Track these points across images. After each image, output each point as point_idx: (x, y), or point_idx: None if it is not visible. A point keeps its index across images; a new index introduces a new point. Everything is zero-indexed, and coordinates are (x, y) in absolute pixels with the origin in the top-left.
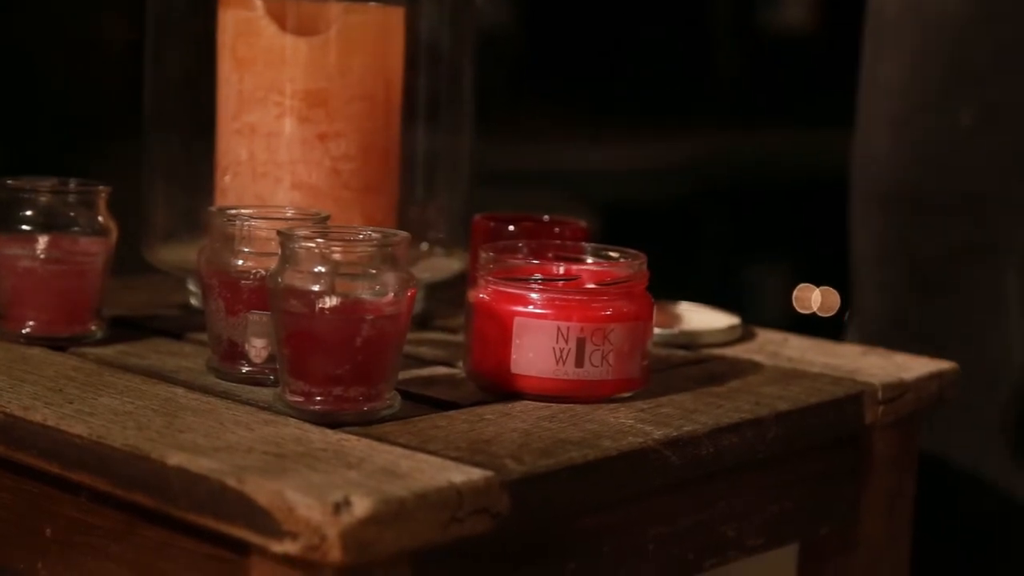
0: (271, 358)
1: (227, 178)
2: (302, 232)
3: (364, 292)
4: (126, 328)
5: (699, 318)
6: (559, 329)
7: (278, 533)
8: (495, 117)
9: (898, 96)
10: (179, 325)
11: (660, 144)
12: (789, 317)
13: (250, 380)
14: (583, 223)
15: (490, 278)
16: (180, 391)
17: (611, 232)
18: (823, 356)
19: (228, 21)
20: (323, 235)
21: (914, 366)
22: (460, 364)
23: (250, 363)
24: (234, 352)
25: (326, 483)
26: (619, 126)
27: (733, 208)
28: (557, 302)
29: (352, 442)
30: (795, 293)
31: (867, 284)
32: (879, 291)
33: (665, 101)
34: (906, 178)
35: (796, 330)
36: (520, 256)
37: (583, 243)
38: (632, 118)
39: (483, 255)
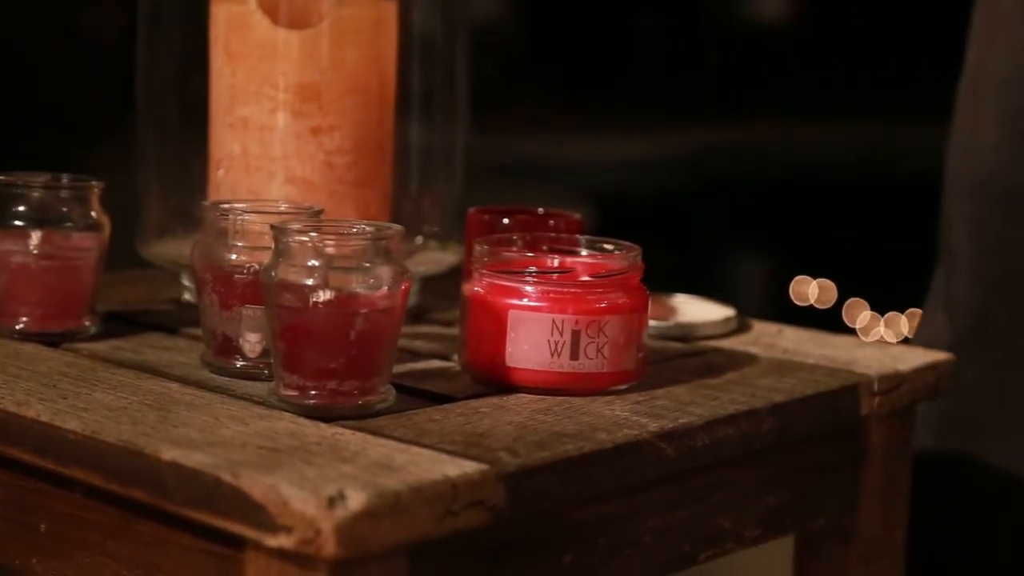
0: (265, 352)
1: (220, 172)
2: (296, 226)
3: (358, 286)
4: (120, 323)
5: (695, 310)
6: (554, 322)
7: (273, 527)
8: (489, 110)
9: (1010, 88)
10: (173, 320)
11: (655, 136)
12: (785, 309)
13: (244, 375)
14: (578, 215)
15: (484, 271)
16: (174, 386)
17: (606, 224)
18: (819, 348)
19: (220, 15)
20: (317, 229)
21: (910, 357)
22: (455, 357)
23: (244, 358)
24: (228, 347)
25: (321, 477)
26: (614, 118)
27: (729, 200)
28: (552, 295)
29: (347, 436)
30: (791, 285)
31: (963, 277)
32: (976, 285)
33: (660, 93)
34: (1015, 171)
35: (792, 323)
36: (515, 249)
37: (578, 235)
38: (627, 110)
39: (477, 248)
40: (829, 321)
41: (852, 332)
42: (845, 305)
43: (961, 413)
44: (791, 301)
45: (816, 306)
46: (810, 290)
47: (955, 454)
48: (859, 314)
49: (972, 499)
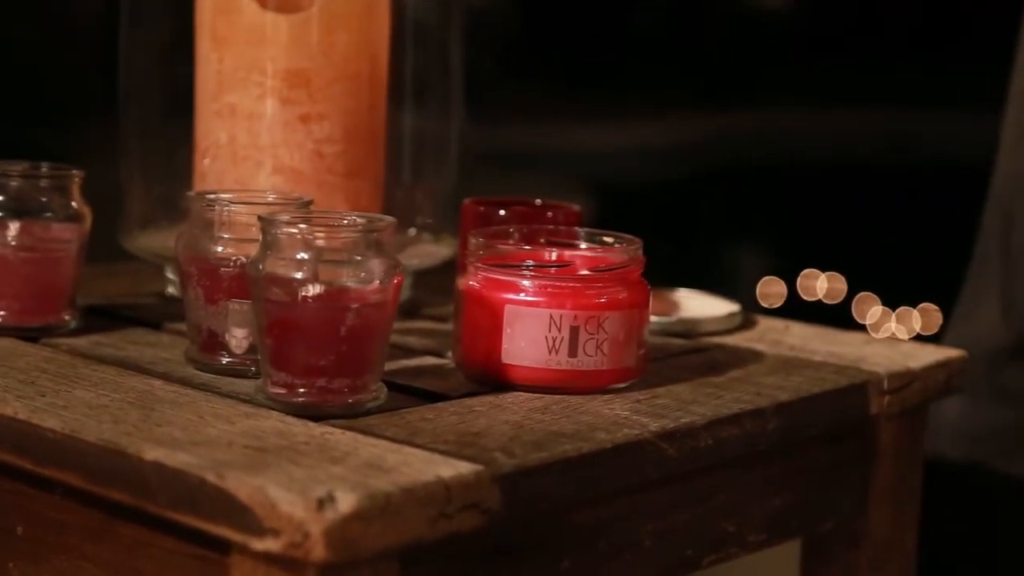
0: (252, 349)
1: (206, 161)
2: (284, 217)
3: (349, 279)
4: (101, 318)
5: (698, 305)
6: (552, 317)
7: (260, 530)
8: (485, 96)
9: None
10: (157, 314)
11: (657, 123)
12: (793, 305)
13: (230, 372)
14: (576, 207)
15: (480, 265)
16: (157, 383)
17: (606, 216)
18: (826, 344)
19: None
20: (306, 220)
21: (921, 355)
22: (449, 354)
23: (230, 354)
24: (214, 342)
25: (309, 478)
26: (614, 105)
27: (734, 190)
28: (550, 289)
29: (336, 435)
30: (799, 279)
31: (1022, 276)
32: None
33: (663, 79)
34: None
35: (799, 318)
36: (511, 242)
37: (577, 228)
38: (628, 96)
39: (473, 241)
40: (838, 316)
41: (862, 328)
42: (855, 300)
43: (1012, 416)
44: (798, 295)
45: (825, 301)
46: (818, 284)
47: (993, 458)
48: (869, 309)
49: (1009, 505)
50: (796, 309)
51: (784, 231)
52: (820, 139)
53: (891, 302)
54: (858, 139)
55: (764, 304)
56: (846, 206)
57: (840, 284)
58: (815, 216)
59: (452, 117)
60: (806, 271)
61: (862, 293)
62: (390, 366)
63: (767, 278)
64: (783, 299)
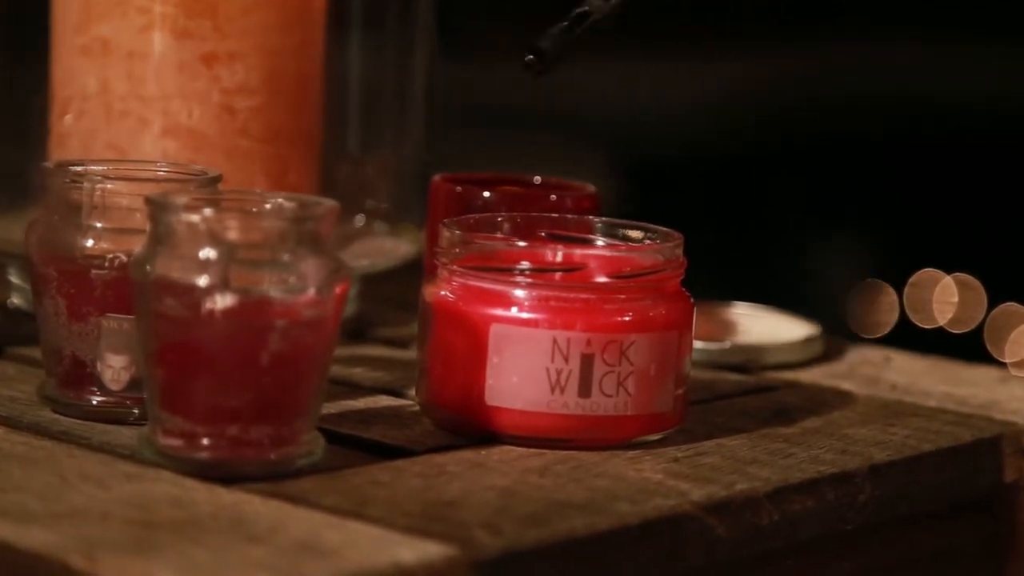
0: (136, 383)
1: (68, 119)
2: (181, 200)
3: (273, 287)
4: None
5: (761, 327)
6: (556, 342)
7: None
8: (465, 31)
9: None
10: None
11: (705, 65)
12: (897, 327)
13: (104, 415)
14: (591, 187)
15: (456, 268)
16: (0, 432)
17: (633, 199)
18: (943, 383)
19: None
20: (212, 204)
21: None
22: (412, 393)
23: (104, 390)
24: (80, 375)
25: (217, 563)
26: (638, 42)
27: (814, 160)
28: (553, 303)
29: (255, 505)
30: (906, 289)
31: None
32: None
33: (705, 6)
34: None
35: (907, 345)
36: (500, 235)
37: (591, 217)
38: (657, 29)
39: (446, 234)
40: (964, 342)
41: (998, 362)
42: (989, 316)
43: None
44: (905, 312)
45: (947, 329)
46: (936, 294)
47: None
48: (1012, 332)
49: None
50: (902, 331)
51: (887, 219)
52: (939, 81)
53: None
54: (995, 82)
55: (857, 326)
56: (974, 179)
57: (971, 294)
58: (930, 195)
59: (417, 60)
60: (917, 275)
61: (1001, 306)
62: (329, 409)
63: (861, 287)
64: (887, 317)
